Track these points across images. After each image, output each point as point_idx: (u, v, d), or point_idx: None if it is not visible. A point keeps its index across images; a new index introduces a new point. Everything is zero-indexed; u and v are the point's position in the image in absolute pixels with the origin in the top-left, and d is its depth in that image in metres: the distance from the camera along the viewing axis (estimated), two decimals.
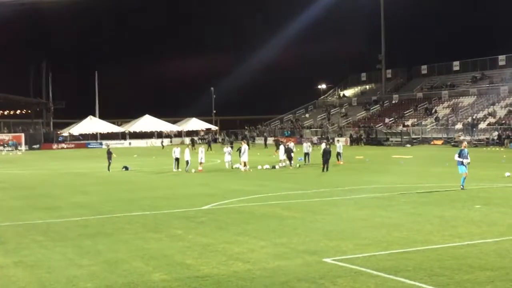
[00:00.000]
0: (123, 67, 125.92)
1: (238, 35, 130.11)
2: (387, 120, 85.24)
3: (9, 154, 75.07)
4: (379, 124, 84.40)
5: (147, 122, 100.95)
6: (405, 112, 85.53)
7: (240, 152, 38.44)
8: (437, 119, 78.05)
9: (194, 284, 11.24)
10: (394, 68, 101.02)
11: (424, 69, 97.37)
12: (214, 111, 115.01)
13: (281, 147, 41.38)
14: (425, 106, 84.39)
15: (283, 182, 30.51)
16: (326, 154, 36.21)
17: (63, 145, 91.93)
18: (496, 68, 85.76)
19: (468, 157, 24.72)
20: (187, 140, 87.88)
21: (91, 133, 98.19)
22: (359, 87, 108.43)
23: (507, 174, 30.09)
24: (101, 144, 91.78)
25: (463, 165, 24.52)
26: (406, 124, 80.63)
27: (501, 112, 73.23)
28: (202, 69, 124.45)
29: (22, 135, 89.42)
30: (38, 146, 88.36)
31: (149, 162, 50.46)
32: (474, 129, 69.48)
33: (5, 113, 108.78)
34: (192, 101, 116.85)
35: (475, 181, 26.78)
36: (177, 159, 38.82)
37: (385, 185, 27.32)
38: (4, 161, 57.50)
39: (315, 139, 76.86)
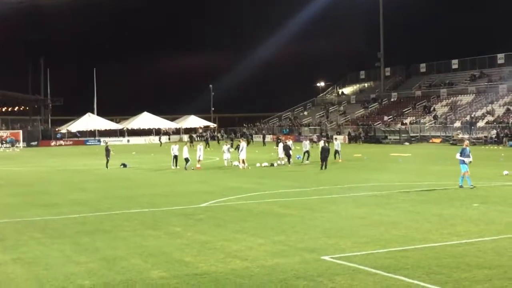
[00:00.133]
0: (122, 64, 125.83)
1: (237, 32, 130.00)
2: (385, 118, 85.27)
3: (6, 151, 75.01)
4: (378, 122, 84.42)
5: (146, 119, 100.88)
6: (404, 110, 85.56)
7: (238, 149, 38.45)
8: (435, 117, 78.08)
9: (193, 282, 11.24)
10: (393, 66, 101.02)
11: (422, 67, 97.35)
12: (213, 109, 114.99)
13: (280, 145, 41.38)
14: (424, 104, 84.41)
15: (282, 180, 30.52)
16: (325, 152, 36.19)
17: (61, 142, 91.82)
18: (495, 66, 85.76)
19: (470, 156, 24.71)
20: (186, 137, 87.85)
21: (89, 130, 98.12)
22: (357, 85, 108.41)
23: (505, 172, 30.13)
24: (99, 141, 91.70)
25: (465, 163, 24.49)
26: (404, 122, 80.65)
27: (499, 111, 73.28)
28: (200, 67, 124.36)
29: (20, 132, 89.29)
30: (36, 143, 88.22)
31: (147, 159, 50.44)
32: (473, 127, 69.52)
33: (3, 110, 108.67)
34: (190, 99, 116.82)
35: (473, 180, 26.72)
36: (175, 157, 38.83)
37: (383, 183, 27.34)
38: (2, 158, 57.45)
39: (315, 137, 76.87)
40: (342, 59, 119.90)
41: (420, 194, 23.31)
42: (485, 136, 66.80)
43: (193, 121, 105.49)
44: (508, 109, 72.29)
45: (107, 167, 39.42)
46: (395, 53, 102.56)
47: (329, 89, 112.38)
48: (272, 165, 39.09)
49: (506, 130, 65.72)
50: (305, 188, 26.04)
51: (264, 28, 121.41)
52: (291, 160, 39.97)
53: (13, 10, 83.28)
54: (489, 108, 74.64)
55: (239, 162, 37.97)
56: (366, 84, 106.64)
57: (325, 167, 35.65)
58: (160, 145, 79.27)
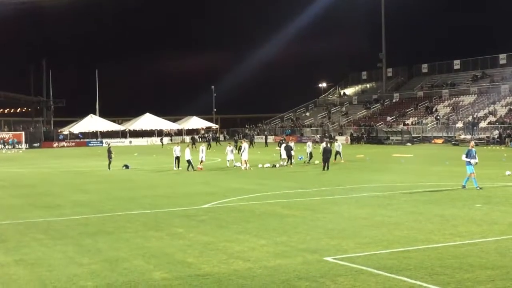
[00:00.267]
0: (124, 65, 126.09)
1: (238, 33, 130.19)
2: (388, 118, 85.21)
3: (7, 152, 75.09)
4: (380, 123, 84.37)
5: (148, 121, 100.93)
6: (406, 111, 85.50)
7: (240, 150, 38.44)
8: (437, 117, 78.02)
9: (195, 283, 11.23)
10: (395, 66, 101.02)
11: (424, 67, 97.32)
12: (215, 110, 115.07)
13: (282, 146, 41.34)
14: (426, 104, 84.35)
15: (284, 180, 30.50)
16: (327, 153, 36.18)
17: (64, 143, 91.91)
18: (496, 66, 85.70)
19: (476, 157, 24.66)
20: (188, 138, 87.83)
21: (91, 131, 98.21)
22: (359, 86, 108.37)
23: (507, 173, 30.10)
24: (101, 142, 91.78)
25: (471, 165, 24.44)
26: (406, 122, 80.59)
27: (501, 111, 73.21)
28: (202, 68, 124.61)
29: (23, 133, 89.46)
30: (38, 144, 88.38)
31: (149, 160, 50.46)
32: (475, 128, 69.44)
33: (6, 111, 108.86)
34: (192, 100, 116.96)
35: None
36: (177, 158, 38.83)
37: (385, 184, 27.32)
38: (4, 159, 57.52)
39: (317, 137, 76.87)
40: (344, 59, 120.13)
41: (422, 194, 23.29)
42: (487, 137, 66.74)
43: (195, 122, 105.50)
44: (510, 110, 72.24)
45: (109, 168, 39.44)
46: (397, 54, 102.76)
47: (331, 89, 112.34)
48: (274, 166, 39.08)
49: (508, 131, 65.64)
50: (307, 189, 26.03)
51: (265, 28, 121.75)
52: (293, 161, 39.96)
53: (15, 11, 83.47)
54: (491, 108, 74.59)
55: (241, 163, 37.97)
56: (368, 85, 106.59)
57: (327, 168, 35.63)
58: (162, 147, 79.36)
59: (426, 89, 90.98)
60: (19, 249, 14.55)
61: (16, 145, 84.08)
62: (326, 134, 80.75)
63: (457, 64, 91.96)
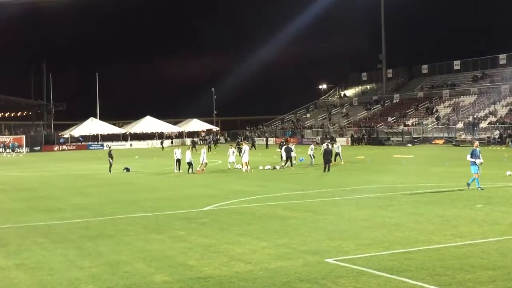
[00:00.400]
0: (124, 68, 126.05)
1: (238, 35, 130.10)
2: (388, 119, 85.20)
3: (8, 156, 75.11)
4: (380, 124, 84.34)
5: (148, 123, 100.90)
6: (406, 112, 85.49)
7: (240, 152, 38.43)
8: (438, 118, 78.00)
9: (196, 285, 11.24)
10: (395, 67, 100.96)
11: (425, 68, 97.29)
12: (215, 112, 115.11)
13: (283, 148, 41.30)
14: (426, 105, 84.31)
15: (284, 182, 30.50)
16: (327, 155, 36.20)
17: (64, 146, 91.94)
18: (497, 67, 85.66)
19: (481, 157, 24.66)
20: (188, 141, 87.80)
21: (92, 134, 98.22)
22: (360, 87, 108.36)
23: (508, 173, 30.07)
24: (102, 145, 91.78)
25: (476, 165, 24.43)
26: (407, 123, 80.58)
27: (502, 111, 73.19)
28: (202, 70, 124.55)
29: (23, 137, 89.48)
30: (39, 148, 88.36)
31: (150, 163, 50.46)
32: (475, 128, 69.42)
33: (6, 115, 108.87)
34: (192, 102, 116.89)
35: None
36: (178, 160, 38.79)
37: (386, 185, 27.31)
38: (5, 163, 57.54)
39: (318, 139, 76.86)
40: (344, 60, 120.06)
41: (423, 195, 23.28)
42: (488, 137, 66.70)
43: (195, 124, 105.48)
44: (510, 110, 72.21)
45: (110, 171, 39.45)
46: (397, 55, 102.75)
47: (331, 91, 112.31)
48: (274, 168, 39.07)
49: (509, 131, 65.61)
50: (308, 191, 26.04)
51: (265, 28, 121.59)
52: (294, 162, 39.95)
53: (15, 13, 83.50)
54: (491, 108, 74.57)
55: (242, 165, 37.96)
56: (368, 86, 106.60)
57: (328, 170, 35.62)
58: (162, 149, 79.15)
59: (427, 89, 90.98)
60: (20, 253, 14.55)
61: (16, 148, 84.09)
62: (327, 136, 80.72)
63: (457, 64, 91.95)
